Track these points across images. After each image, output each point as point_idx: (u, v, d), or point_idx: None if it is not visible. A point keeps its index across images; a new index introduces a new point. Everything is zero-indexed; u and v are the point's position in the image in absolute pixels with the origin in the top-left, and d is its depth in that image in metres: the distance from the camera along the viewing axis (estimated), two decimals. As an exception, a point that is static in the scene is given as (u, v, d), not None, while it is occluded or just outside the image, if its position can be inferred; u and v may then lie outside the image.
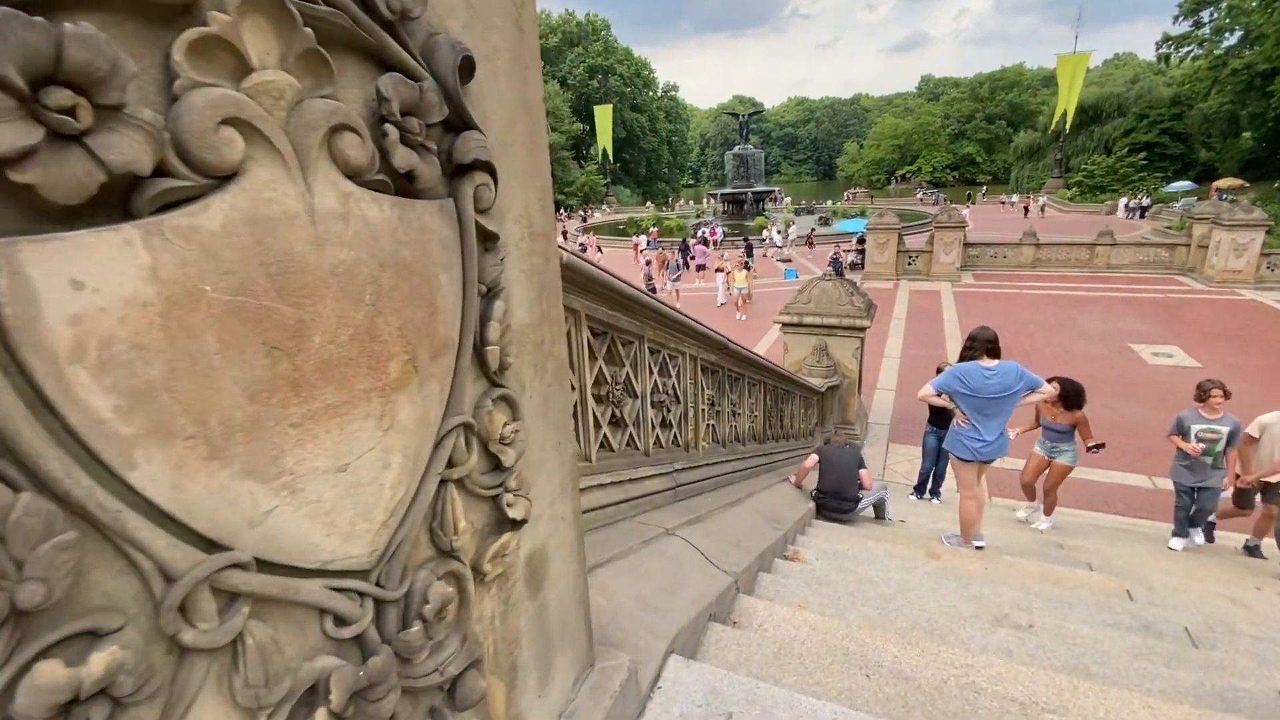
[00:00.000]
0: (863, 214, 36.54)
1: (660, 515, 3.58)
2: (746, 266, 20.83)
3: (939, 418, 8.04)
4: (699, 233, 33.87)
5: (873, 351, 14.31)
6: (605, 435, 3.32)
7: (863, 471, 6.03)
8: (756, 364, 5.86)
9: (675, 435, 4.34)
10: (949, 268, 23.86)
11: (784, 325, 10.61)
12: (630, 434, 3.63)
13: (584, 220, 53.75)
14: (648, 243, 33.06)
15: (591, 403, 3.11)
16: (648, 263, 23.05)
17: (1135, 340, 16.55)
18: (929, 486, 8.69)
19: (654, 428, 3.94)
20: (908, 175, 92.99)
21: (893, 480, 9.82)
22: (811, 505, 6.03)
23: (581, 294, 2.88)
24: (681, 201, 77.02)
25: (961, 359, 5.31)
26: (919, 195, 62.68)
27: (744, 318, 19.47)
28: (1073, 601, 4.06)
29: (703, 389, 4.79)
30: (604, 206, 68.68)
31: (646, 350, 3.66)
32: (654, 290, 20.92)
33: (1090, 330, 17.51)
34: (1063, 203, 50.68)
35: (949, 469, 7.57)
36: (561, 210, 64.23)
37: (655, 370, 3.88)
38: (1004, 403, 5.03)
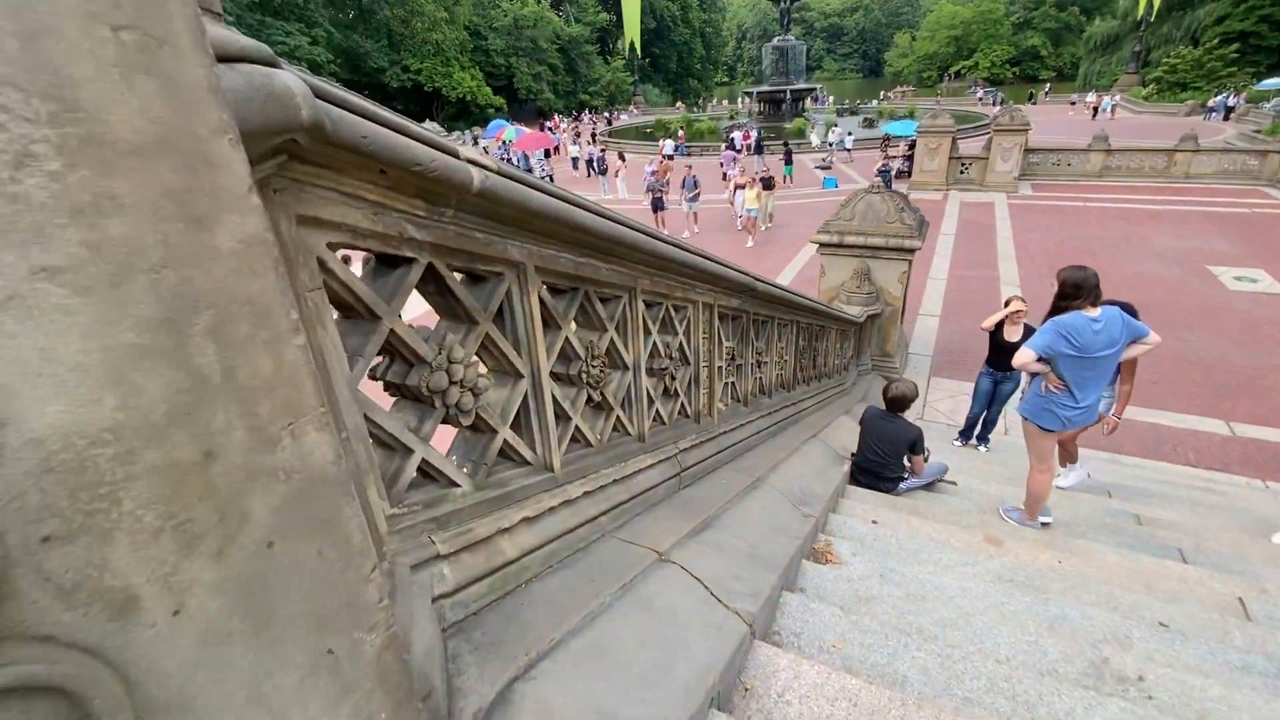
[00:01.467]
0: (911, 115, 33.35)
1: (655, 524, 2.74)
2: (768, 186, 18.16)
3: (998, 359, 6.97)
4: (731, 136, 31.25)
5: (916, 272, 12.94)
6: (577, 428, 2.43)
7: (915, 458, 5.08)
8: (789, 303, 4.83)
9: (682, 405, 3.43)
10: (1005, 177, 21.63)
11: (821, 246, 9.37)
12: (618, 418, 2.74)
13: (609, 124, 50.66)
14: (675, 148, 30.67)
15: (551, 389, 2.19)
16: (652, 172, 19.67)
17: (1215, 262, 14.81)
18: (976, 432, 7.75)
19: (652, 402, 3.04)
20: (962, 71, 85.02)
21: (933, 420, 8.90)
22: (846, 468, 5.18)
23: (525, 235, 1.89)
24: (715, 102, 72.13)
25: (1055, 311, 4.20)
26: (977, 94, 57.32)
27: (752, 244, 17.23)
28: (1181, 625, 3.20)
29: (720, 342, 3.83)
30: (630, 109, 64.70)
31: (640, 306, 2.69)
32: (661, 206, 18.32)
33: (1164, 249, 15.72)
34: (1136, 101, 45.83)
35: (1016, 431, 6.57)
36: (586, 112, 60.67)
37: (655, 328, 2.93)
38: (1109, 361, 3.98)
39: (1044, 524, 4.79)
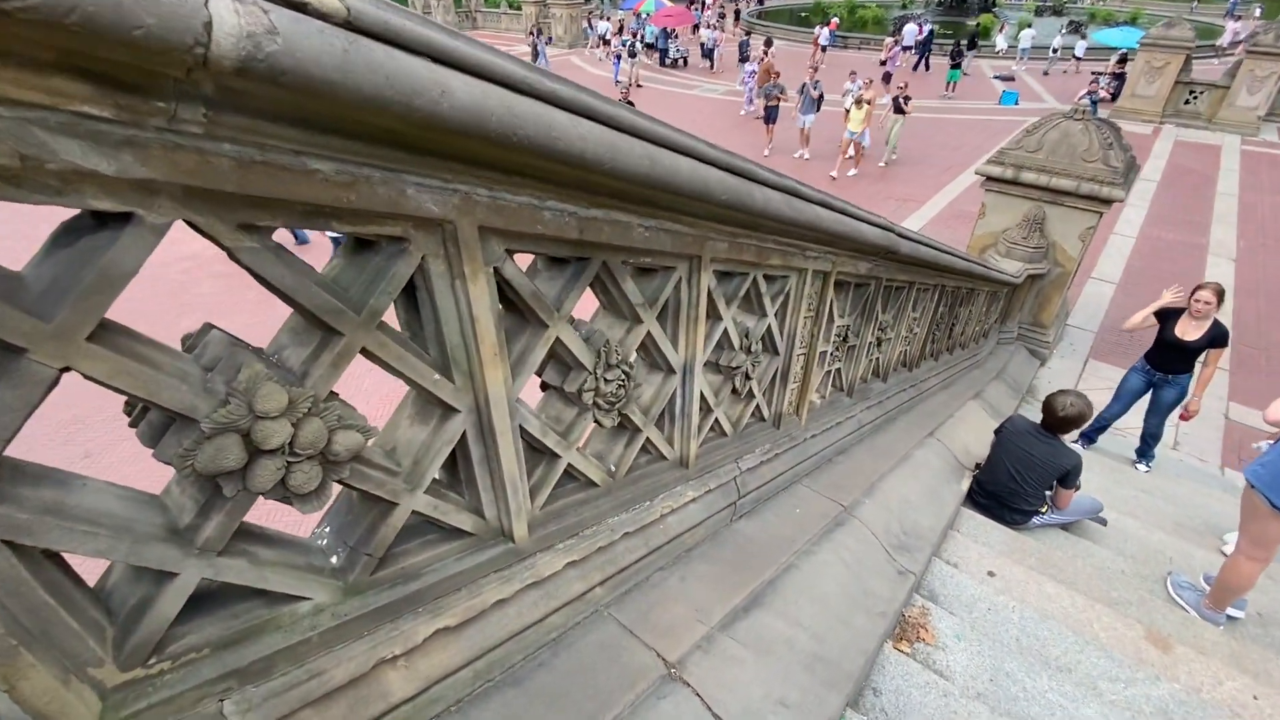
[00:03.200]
0: (1134, 21, 27.02)
1: (679, 592, 1.90)
2: (898, 108, 13.55)
3: (1164, 357, 5.35)
4: (902, 29, 26.54)
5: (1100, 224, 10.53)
6: (572, 468, 1.57)
7: (1064, 491, 3.84)
8: (940, 266, 3.56)
9: (757, 407, 2.47)
10: (1248, 115, 17.05)
11: (989, 179, 7.51)
12: (648, 441, 1.84)
13: (760, 2, 45.00)
14: (829, 37, 26.55)
15: (518, 421, 1.32)
16: (751, 73, 16.01)
17: None
18: (1137, 447, 6.20)
19: (709, 411, 2.10)
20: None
21: (1082, 416, 7.27)
22: (965, 485, 4.05)
23: (476, 171, 0.94)
24: (885, -16, 62.79)
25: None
26: (1233, 4, 45.27)
27: (854, 173, 13.62)
28: None
29: (829, 320, 2.75)
30: (786, -17, 57.61)
31: (704, 281, 1.69)
32: (774, 117, 14.12)
33: None
34: None
35: (1185, 446, 5.08)
36: (735, -15, 54.63)
37: (729, 309, 1.93)
38: None
39: (1232, 618, 3.54)
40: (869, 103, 12.97)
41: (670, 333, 1.73)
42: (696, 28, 28.72)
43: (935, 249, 3.33)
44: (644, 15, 26.25)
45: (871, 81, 13.87)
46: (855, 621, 2.25)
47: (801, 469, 2.91)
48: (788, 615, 2.07)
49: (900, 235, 2.71)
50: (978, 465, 4.22)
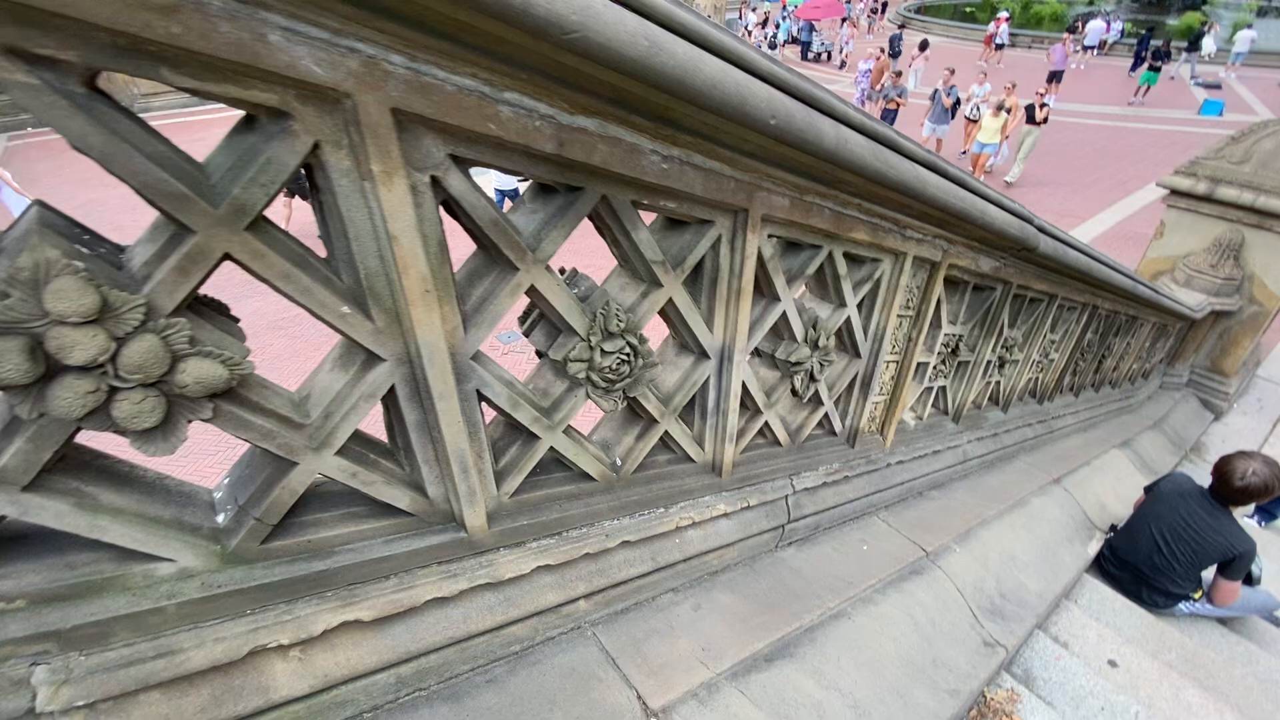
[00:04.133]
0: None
1: (688, 623, 1.56)
2: (1031, 118, 11.38)
3: None
4: (1085, 26, 23.41)
5: (1321, 262, 8.61)
6: (555, 452, 1.28)
7: (1225, 583, 3.03)
8: (1093, 277, 2.89)
9: (825, 418, 2.05)
10: None
11: (1173, 192, 6.32)
12: (665, 435, 1.52)
13: (921, -6, 41.87)
14: (1005, 34, 23.87)
15: (455, 389, 1.06)
16: (865, 73, 14.07)
17: None
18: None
19: (754, 413, 1.73)
20: None
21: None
22: (1093, 548, 3.33)
23: (380, 22, 0.68)
24: (1072, -21, 56.55)
25: None
26: None
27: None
28: None
29: (934, 325, 2.27)
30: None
31: (752, 243, 1.34)
32: (892, 119, 12.01)
33: None
34: None
35: None
36: (897, -21, 51.61)
37: (793, 284, 1.56)
38: None
39: None
40: (1009, 111, 10.97)
41: (704, 306, 1.39)
42: (845, 20, 27.23)
43: (1090, 256, 2.70)
44: (790, 7, 25.26)
45: (1015, 86, 11.78)
46: (915, 696, 1.80)
47: (878, 499, 2.44)
48: (823, 675, 1.68)
49: (1041, 229, 2.17)
50: (1113, 527, 3.47)
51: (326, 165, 0.78)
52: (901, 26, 25.45)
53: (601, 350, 1.20)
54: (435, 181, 0.87)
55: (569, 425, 1.29)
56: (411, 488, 1.10)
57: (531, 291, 1.07)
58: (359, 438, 1.05)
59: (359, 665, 1.08)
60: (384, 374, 0.96)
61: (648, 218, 1.29)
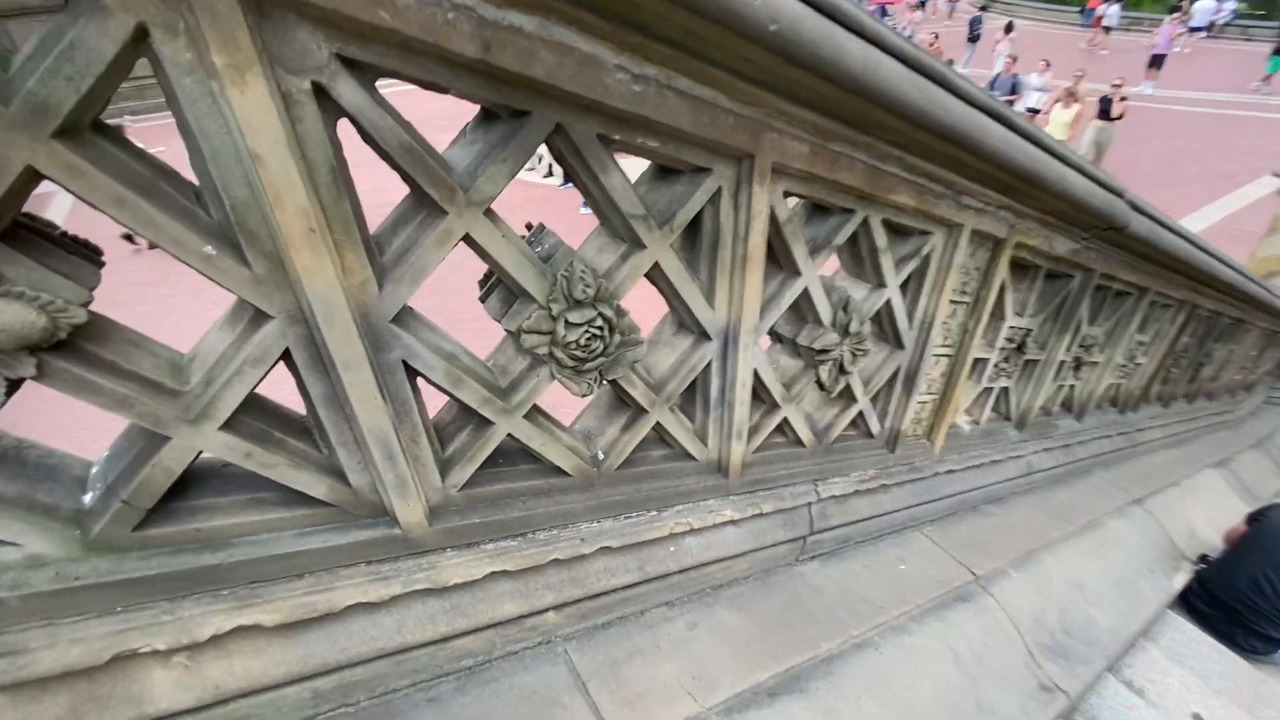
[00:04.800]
0: None
1: (666, 651, 1.35)
2: (1105, 113, 10.05)
3: None
4: (1191, 6, 21.31)
5: None
6: (515, 439, 1.09)
7: None
8: (1189, 268, 2.48)
9: (861, 417, 1.79)
10: None
11: (1293, 183, 5.60)
12: (661, 427, 1.30)
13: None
14: (1115, 16, 21.73)
15: (368, 358, 0.87)
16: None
17: None
18: None
19: (770, 406, 1.49)
20: None
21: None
22: (1179, 582, 2.90)
23: None
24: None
25: None
26: None
27: None
28: None
29: (996, 315, 1.96)
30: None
31: (758, 204, 1.10)
32: None
33: None
34: None
35: None
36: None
37: (816, 256, 1.31)
38: None
39: None
40: (1079, 101, 9.69)
41: (703, 276, 1.17)
42: (923, 3, 25.76)
43: (1192, 243, 2.30)
44: (865, -11, 24.03)
45: (1083, 74, 10.49)
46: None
47: (922, 512, 2.15)
48: (838, 717, 1.43)
49: (1134, 205, 1.82)
50: (1204, 558, 3.03)
51: (161, 58, 0.60)
52: (983, 8, 23.96)
53: (566, 322, 0.99)
54: (321, 91, 0.68)
55: (534, 409, 1.10)
56: (329, 474, 0.93)
57: (469, 243, 0.87)
58: (261, 411, 0.88)
59: (261, 677, 0.92)
60: (272, 334, 0.78)
61: (638, 168, 1.07)
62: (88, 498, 0.81)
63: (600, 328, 1.03)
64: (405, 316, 0.89)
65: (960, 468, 2.29)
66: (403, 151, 0.76)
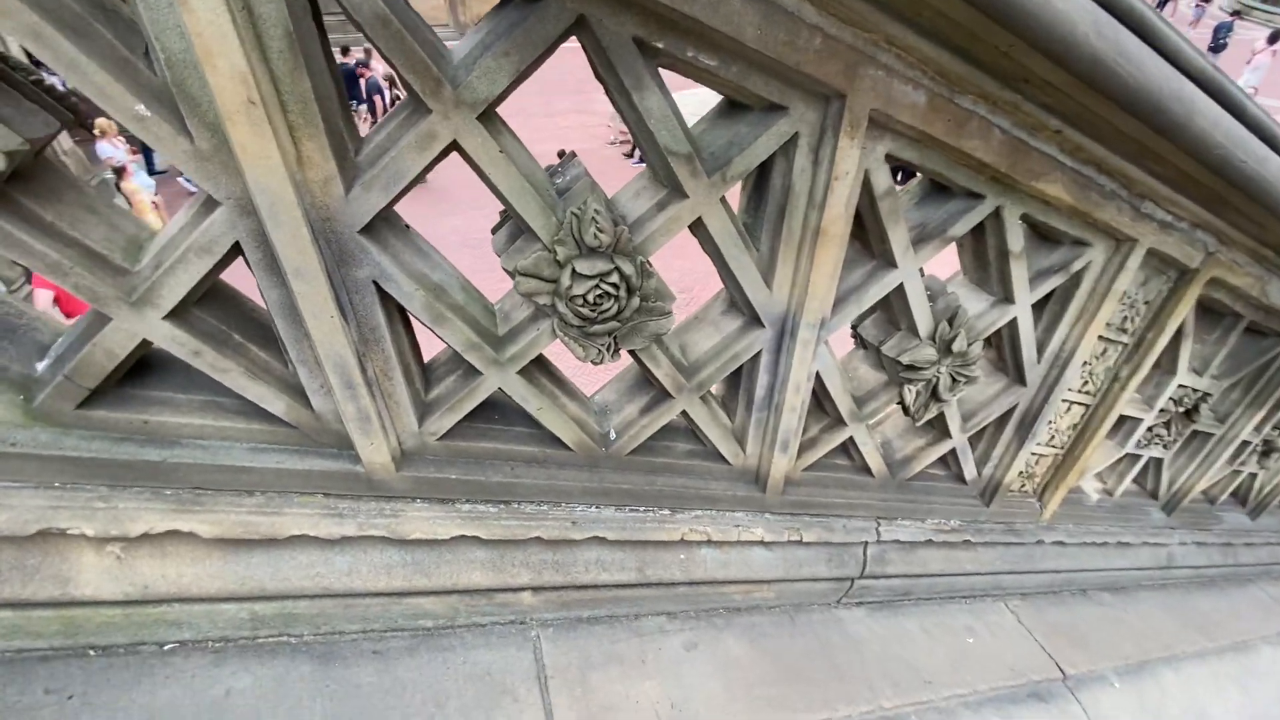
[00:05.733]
0: None
1: (651, 671, 1.18)
2: None
3: None
4: None
5: None
6: (506, 394, 0.96)
7: None
8: None
9: (953, 455, 1.48)
10: None
11: None
12: (688, 417, 1.11)
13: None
14: None
15: (320, 267, 0.76)
16: None
17: None
18: None
19: (845, 416, 1.25)
20: None
21: None
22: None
23: None
24: None
25: None
26: None
27: None
28: None
29: (1163, 366, 1.54)
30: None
31: (844, 161, 0.86)
32: None
33: None
34: None
35: None
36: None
37: (920, 248, 1.05)
38: None
39: None
40: None
41: (763, 246, 0.95)
42: (1163, 4, 22.16)
43: None
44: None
45: None
46: None
47: (1012, 582, 1.80)
48: (838, 798, 1.20)
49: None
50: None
51: None
52: (1235, 14, 20.15)
53: (573, 271, 0.83)
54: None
55: (534, 366, 0.95)
56: (290, 391, 0.85)
57: (456, 151, 0.73)
58: (224, 309, 0.81)
59: (194, 587, 0.87)
60: (220, 223, 0.69)
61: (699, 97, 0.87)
62: (41, 365, 0.77)
63: (615, 285, 0.85)
64: (381, 229, 0.77)
65: (1074, 541, 1.89)
66: (377, 24, 0.62)
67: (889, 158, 0.91)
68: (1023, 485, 1.67)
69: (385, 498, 0.96)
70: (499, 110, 0.74)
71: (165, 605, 0.88)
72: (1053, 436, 1.57)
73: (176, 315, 0.74)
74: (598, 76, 0.77)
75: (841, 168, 0.85)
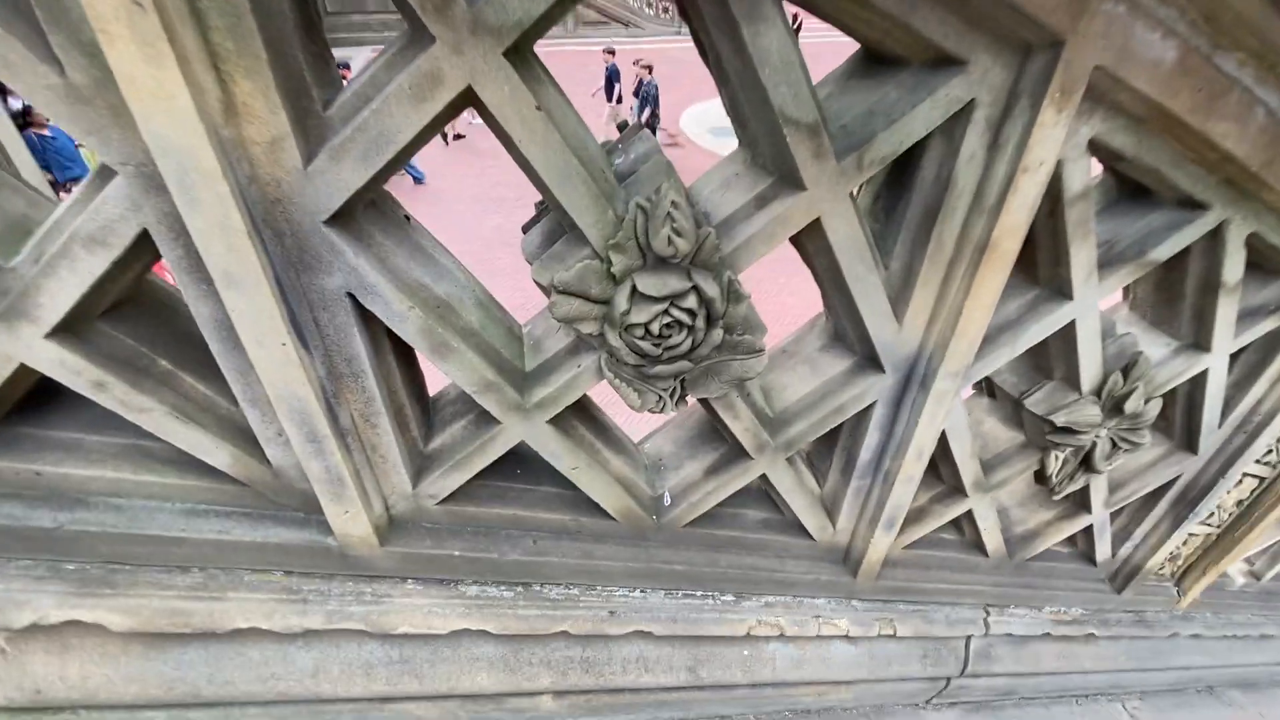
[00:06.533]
0: None
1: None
2: None
3: None
4: None
5: None
6: (528, 450, 0.71)
7: None
8: None
9: (1087, 534, 1.18)
10: None
11: None
12: (767, 481, 0.85)
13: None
14: None
15: (262, 270, 0.52)
16: None
17: None
18: None
19: (965, 484, 0.96)
20: None
21: None
22: None
23: None
24: None
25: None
26: None
27: None
28: None
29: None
30: None
31: (1033, 139, 0.59)
32: None
33: None
34: None
35: None
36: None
37: (1100, 263, 0.76)
38: None
39: None
40: None
41: (895, 262, 0.68)
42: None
43: None
44: None
45: None
46: None
47: (1133, 680, 1.48)
48: None
49: None
50: None
51: None
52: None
53: (635, 290, 0.57)
54: None
55: (572, 411, 0.70)
56: (236, 437, 0.61)
57: (471, 105, 0.48)
58: (144, 323, 0.58)
59: (103, 692, 0.65)
60: (116, 201, 0.46)
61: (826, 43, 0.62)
62: (-107, 390, 0.55)
63: (690, 311, 0.60)
64: (360, 219, 0.53)
65: (1212, 634, 1.54)
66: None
67: (1092, 145, 0.63)
68: (1163, 568, 1.35)
69: (365, 577, 0.72)
70: (537, 48, 0.49)
71: (65, 714, 0.65)
72: (1215, 514, 1.25)
73: (67, 331, 0.52)
74: (682, 12, 0.52)
75: (1035, 155, 0.58)
